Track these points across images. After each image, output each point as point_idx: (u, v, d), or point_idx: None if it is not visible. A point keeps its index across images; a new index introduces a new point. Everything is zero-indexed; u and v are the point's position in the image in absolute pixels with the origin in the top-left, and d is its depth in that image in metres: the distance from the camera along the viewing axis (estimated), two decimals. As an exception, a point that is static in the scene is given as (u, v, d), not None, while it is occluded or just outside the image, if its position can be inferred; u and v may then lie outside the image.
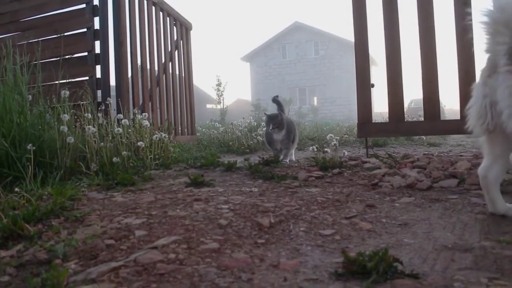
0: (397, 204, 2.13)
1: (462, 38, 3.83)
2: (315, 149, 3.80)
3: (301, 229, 1.68)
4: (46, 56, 4.52)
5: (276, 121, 3.91)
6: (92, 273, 1.23)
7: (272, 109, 4.37)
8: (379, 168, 3.20)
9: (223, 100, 23.15)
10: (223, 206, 2.07)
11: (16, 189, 2.24)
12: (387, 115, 4.26)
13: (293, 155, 4.42)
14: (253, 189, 2.61)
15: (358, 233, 1.63)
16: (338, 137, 4.01)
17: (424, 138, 7.45)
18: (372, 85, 4.24)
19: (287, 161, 3.93)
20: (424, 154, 4.32)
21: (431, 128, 4.09)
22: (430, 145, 7.06)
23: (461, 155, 3.97)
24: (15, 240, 1.61)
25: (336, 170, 3.22)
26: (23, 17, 5.39)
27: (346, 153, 4.15)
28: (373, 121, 4.45)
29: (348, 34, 37.52)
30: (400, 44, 4.12)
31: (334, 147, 3.72)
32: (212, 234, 1.60)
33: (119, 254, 1.40)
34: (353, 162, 3.63)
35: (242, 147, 5.92)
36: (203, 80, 57.36)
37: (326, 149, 3.73)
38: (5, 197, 2.17)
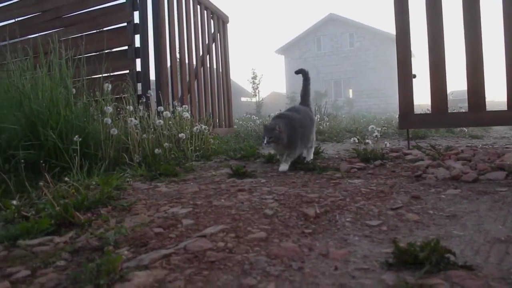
0: (443, 196, 2.07)
1: (510, 26, 3.69)
2: (356, 141, 3.76)
3: (347, 219, 1.66)
4: (89, 50, 4.64)
5: (273, 134, 3.06)
6: (144, 259, 1.26)
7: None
8: (422, 159, 3.14)
9: (258, 93, 23.17)
10: (267, 197, 2.08)
11: (66, 178, 2.31)
12: (426, 107, 4.15)
13: (311, 153, 3.55)
14: (295, 180, 2.61)
15: (405, 224, 1.61)
16: (378, 129, 3.94)
17: (466, 130, 7.26)
18: (414, 76, 4.14)
19: (286, 169, 3.10)
20: (467, 146, 4.21)
21: (475, 119, 3.95)
22: (472, 137, 6.86)
23: (507, 147, 3.85)
24: (67, 227, 1.67)
25: (378, 162, 3.18)
26: (67, 13, 5.53)
27: (388, 144, 4.08)
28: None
29: (383, 25, 36.81)
30: (443, 32, 4.01)
31: (376, 138, 3.67)
32: (259, 224, 1.61)
33: (168, 242, 1.43)
34: (394, 154, 3.57)
35: (280, 139, 5.89)
36: (237, 73, 57.48)
37: (367, 141, 3.69)
38: (54, 187, 2.24)
